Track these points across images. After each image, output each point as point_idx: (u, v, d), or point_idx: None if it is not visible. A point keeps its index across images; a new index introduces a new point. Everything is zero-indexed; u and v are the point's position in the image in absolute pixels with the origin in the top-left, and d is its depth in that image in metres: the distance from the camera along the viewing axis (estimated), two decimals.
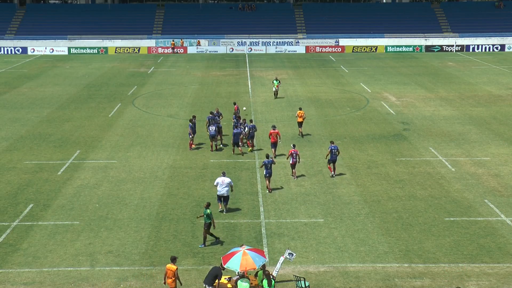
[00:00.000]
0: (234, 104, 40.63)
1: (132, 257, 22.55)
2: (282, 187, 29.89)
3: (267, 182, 29.38)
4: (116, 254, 22.78)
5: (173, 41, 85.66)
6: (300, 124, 39.56)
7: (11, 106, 49.44)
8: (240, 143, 35.32)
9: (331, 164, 31.40)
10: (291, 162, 30.85)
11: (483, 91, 54.84)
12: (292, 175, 31.28)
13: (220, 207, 26.89)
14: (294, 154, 30.61)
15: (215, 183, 26.82)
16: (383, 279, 20.97)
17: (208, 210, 23.32)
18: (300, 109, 40.29)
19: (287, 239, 24.03)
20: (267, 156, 29.84)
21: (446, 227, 25.17)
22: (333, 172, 31.45)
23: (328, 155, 31.37)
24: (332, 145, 31.42)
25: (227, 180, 26.59)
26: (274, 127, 34.92)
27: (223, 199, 26.78)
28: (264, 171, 29.22)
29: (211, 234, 23.74)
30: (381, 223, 25.55)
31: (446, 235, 24.35)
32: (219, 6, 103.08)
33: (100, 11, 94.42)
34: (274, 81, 52.00)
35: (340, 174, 31.83)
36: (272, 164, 29.48)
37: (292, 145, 31.96)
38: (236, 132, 34.83)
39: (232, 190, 27.29)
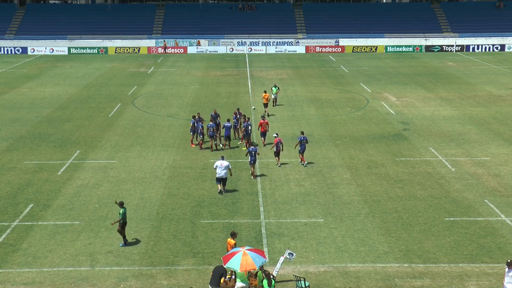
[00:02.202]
0: (238, 109, 40.09)
1: (132, 257, 22.55)
2: (282, 187, 29.91)
3: (252, 168, 31.20)
4: (116, 254, 22.79)
5: (165, 41, 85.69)
6: (265, 105, 45.27)
7: (11, 106, 49.44)
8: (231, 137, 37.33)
9: (301, 154, 33.17)
10: (275, 150, 32.82)
11: (483, 91, 54.85)
12: (277, 164, 33.07)
13: (219, 188, 28.98)
14: (279, 144, 32.71)
15: (214, 166, 29.11)
16: (383, 279, 20.97)
17: (122, 209, 23.37)
18: (265, 92, 46.32)
19: (287, 239, 24.04)
20: (251, 144, 32.67)
21: (446, 227, 25.17)
22: (305, 162, 33.14)
23: (297, 145, 33.23)
24: (302, 135, 33.24)
25: (225, 163, 28.81)
26: (263, 117, 38.06)
27: (222, 181, 28.92)
28: (249, 158, 31.02)
29: (123, 236, 23.54)
30: (381, 223, 25.55)
31: (446, 235, 24.36)
32: (219, 6, 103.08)
33: (100, 11, 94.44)
34: (273, 88, 48.71)
35: (340, 174, 31.87)
36: (257, 153, 31.32)
37: (274, 134, 33.82)
38: (226, 126, 36.23)
39: (231, 175, 29.36)
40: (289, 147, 35.13)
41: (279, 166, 32.87)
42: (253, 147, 31.62)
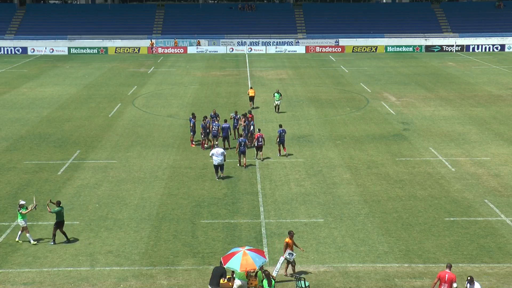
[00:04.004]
0: (249, 112, 39.74)
1: (132, 257, 22.55)
2: (282, 187, 29.90)
3: (241, 158, 32.67)
4: (116, 254, 22.79)
5: (151, 40, 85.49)
6: (250, 98, 47.80)
7: (11, 106, 49.44)
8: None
9: (281, 145, 34.60)
10: (257, 145, 33.84)
11: (483, 91, 54.84)
12: (259, 158, 34.06)
13: (217, 175, 30.77)
14: (260, 138, 33.68)
15: (210, 154, 30.93)
16: (383, 279, 20.98)
17: (57, 208, 23.45)
18: (251, 87, 50.00)
19: None
20: (240, 135, 35.66)
21: (446, 227, 25.17)
22: (285, 152, 34.65)
23: (277, 138, 34.52)
24: (281, 128, 34.63)
25: (220, 150, 30.70)
26: (250, 111, 39.27)
27: (220, 167, 30.73)
28: (238, 148, 32.48)
29: (63, 233, 23.73)
30: (381, 223, 25.55)
31: (446, 235, 24.36)
32: (219, 6, 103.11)
33: (100, 11, 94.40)
34: (276, 94, 45.98)
35: (340, 174, 31.87)
36: (246, 144, 33.05)
37: (257, 129, 35.23)
38: (225, 127, 36.41)
39: (225, 160, 30.82)
40: (287, 146, 35.15)
41: (262, 160, 33.80)
42: (242, 138, 33.40)
